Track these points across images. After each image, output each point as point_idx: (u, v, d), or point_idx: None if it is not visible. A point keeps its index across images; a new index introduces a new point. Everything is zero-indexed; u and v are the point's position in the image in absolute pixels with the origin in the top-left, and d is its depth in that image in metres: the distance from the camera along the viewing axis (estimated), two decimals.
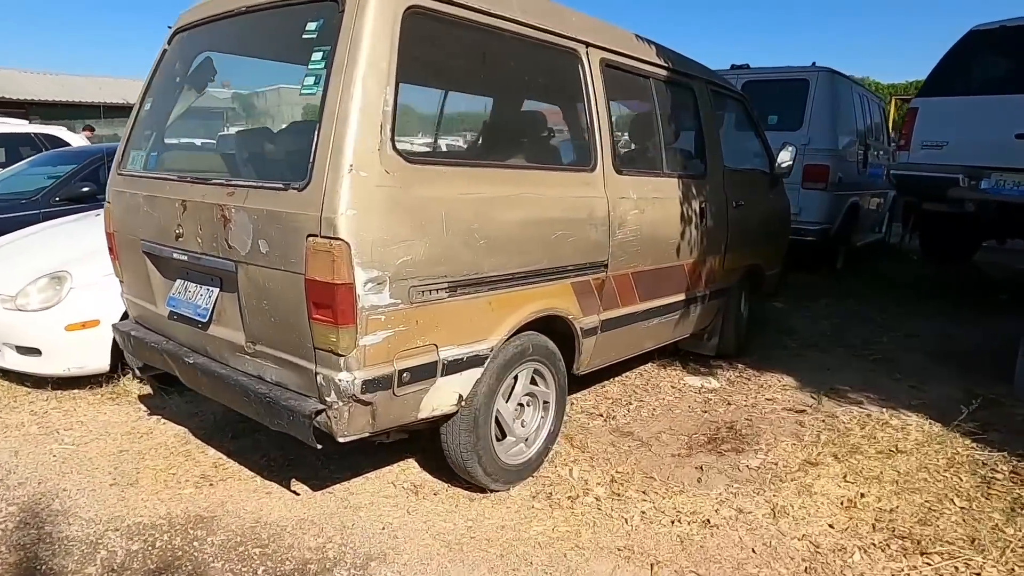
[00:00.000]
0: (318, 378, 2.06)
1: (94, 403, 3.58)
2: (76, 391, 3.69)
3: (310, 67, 2.08)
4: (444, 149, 2.73)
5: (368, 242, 1.93)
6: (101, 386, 3.72)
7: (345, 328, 1.95)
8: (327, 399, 2.05)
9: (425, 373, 2.20)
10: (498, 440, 2.66)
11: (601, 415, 3.43)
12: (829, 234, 6.54)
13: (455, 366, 2.29)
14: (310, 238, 1.94)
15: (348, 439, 2.11)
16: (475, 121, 3.49)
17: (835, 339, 4.89)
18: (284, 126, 2.30)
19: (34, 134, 9.40)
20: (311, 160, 1.96)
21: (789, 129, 6.45)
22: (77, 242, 3.84)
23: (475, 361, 2.37)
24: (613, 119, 2.96)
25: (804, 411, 3.51)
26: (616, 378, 3.96)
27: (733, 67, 6.91)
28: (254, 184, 2.15)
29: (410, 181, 2.06)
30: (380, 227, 1.97)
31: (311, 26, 2.14)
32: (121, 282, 2.99)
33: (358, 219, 1.91)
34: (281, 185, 2.04)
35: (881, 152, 7.99)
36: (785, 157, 4.37)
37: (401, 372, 2.12)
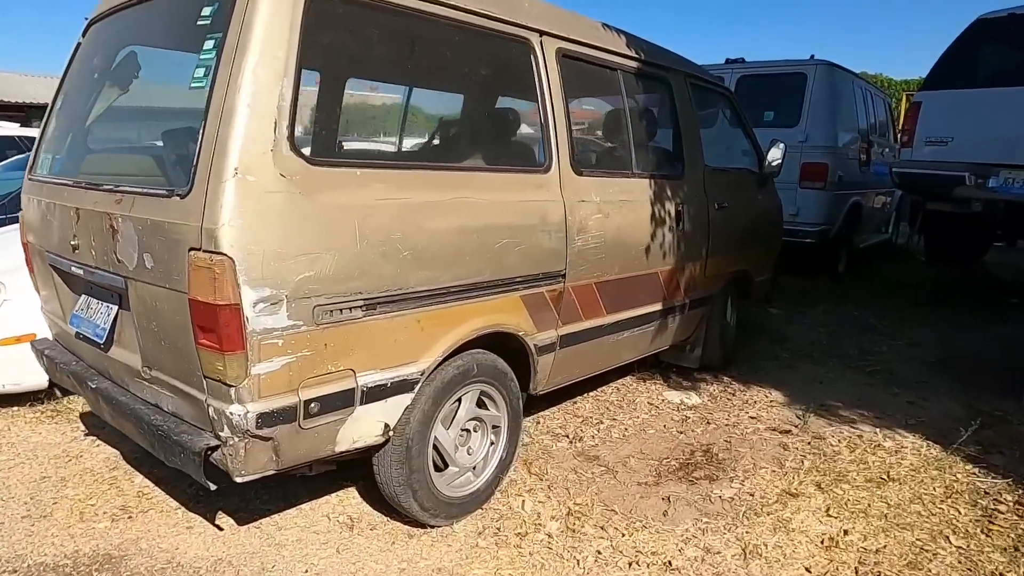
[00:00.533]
0: (210, 410, 1.81)
1: (31, 422, 3.36)
2: (15, 408, 3.47)
3: (201, 57, 1.83)
4: (367, 149, 2.46)
5: (258, 256, 1.68)
6: (42, 403, 3.50)
7: (232, 355, 1.70)
8: (220, 434, 1.81)
9: (339, 402, 1.95)
10: (439, 470, 2.40)
11: (567, 436, 3.16)
12: (829, 236, 6.22)
13: (378, 393, 2.04)
14: (191, 252, 1.69)
15: (247, 478, 1.86)
16: (408, 118, 3.22)
17: (830, 348, 4.60)
18: (174, 125, 2.05)
19: (18, 137, 9.25)
20: (195, 163, 1.72)
21: (786, 126, 6.14)
22: (12, 251, 3.62)
23: (403, 386, 2.11)
24: (571, 115, 2.69)
25: (789, 431, 3.23)
26: (590, 393, 3.70)
27: (728, 61, 6.61)
28: (140, 191, 1.90)
29: (314, 186, 1.81)
30: (274, 239, 1.71)
31: (206, 11, 1.89)
32: (40, 296, 2.76)
33: (244, 230, 1.66)
34: (165, 192, 1.80)
35: (887, 149, 7.65)
36: (775, 155, 4.09)
37: (308, 402, 1.87)
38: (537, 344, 2.62)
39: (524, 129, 2.85)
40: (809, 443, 3.09)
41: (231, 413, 1.75)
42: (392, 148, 2.85)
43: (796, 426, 3.28)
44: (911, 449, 3.05)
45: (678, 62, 3.56)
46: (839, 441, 3.11)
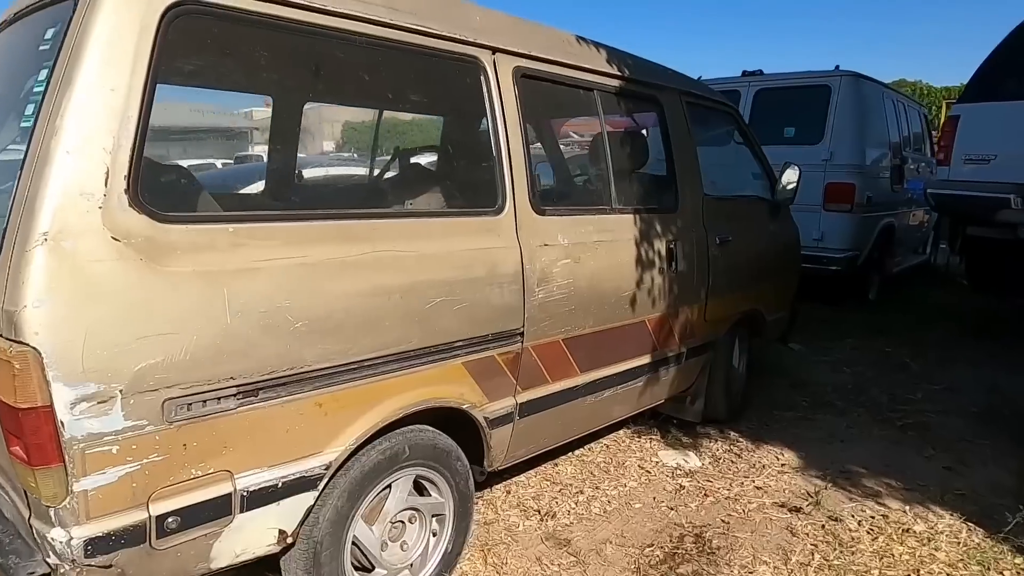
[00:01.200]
0: (34, 531, 1.45)
1: None
2: None
3: (34, 90, 1.49)
4: (248, 195, 2.09)
5: (76, 344, 1.32)
6: None
7: (45, 471, 1.34)
8: (48, 560, 1.44)
9: (210, 512, 1.57)
10: (366, 571, 2.01)
11: (538, 512, 2.74)
12: (857, 262, 5.68)
13: (265, 496, 1.66)
14: None
15: None
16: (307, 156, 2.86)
17: (857, 395, 4.08)
18: None
19: None
20: (5, 224, 1.37)
21: (808, 143, 5.66)
22: None
23: (302, 484, 1.73)
24: (532, 145, 2.30)
25: (800, 509, 2.75)
26: (575, 452, 3.27)
27: (745, 74, 6.15)
28: None
29: (164, 250, 1.44)
30: (103, 321, 1.35)
31: (48, 34, 1.56)
32: None
33: (57, 312, 1.30)
34: None
35: (923, 164, 7.07)
36: (789, 179, 3.63)
37: (162, 518, 1.49)
38: (489, 416, 2.22)
39: (470, 164, 2.46)
40: (823, 526, 2.61)
41: (52, 539, 1.39)
42: (284, 194, 2.48)
43: (810, 500, 2.80)
44: (947, 535, 2.55)
45: (671, 78, 3.14)
46: (859, 524, 2.63)
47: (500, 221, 2.18)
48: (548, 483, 2.99)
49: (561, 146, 3.11)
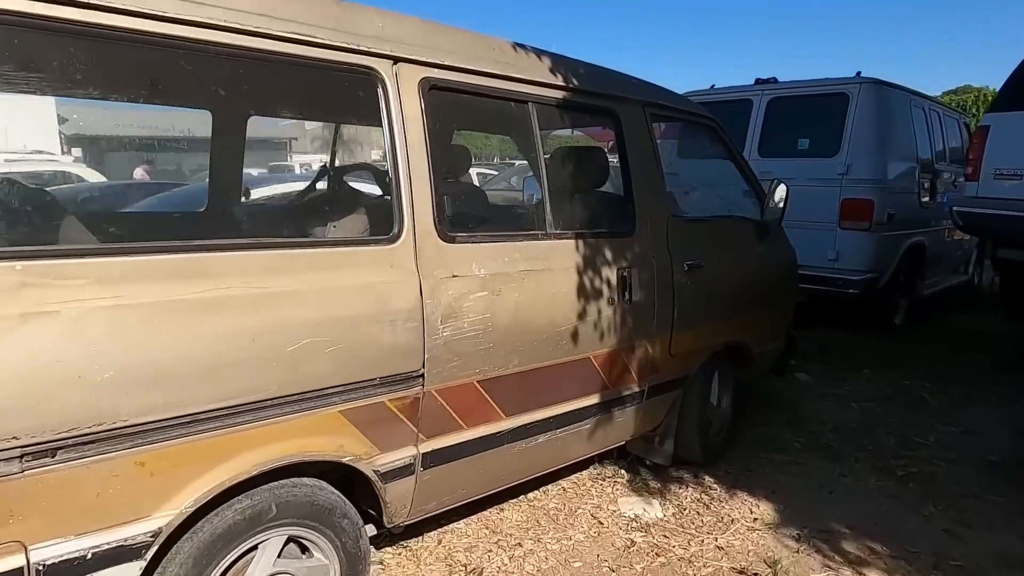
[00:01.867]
0: None
1: None
2: None
3: None
4: (54, 226, 1.85)
5: None
6: None
7: None
8: None
9: None
10: None
11: (465, 567, 2.47)
12: (877, 285, 5.22)
13: (70, 569, 1.45)
14: None
15: None
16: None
17: (859, 436, 3.67)
18: None
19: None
20: None
21: (823, 155, 5.26)
22: None
23: (123, 554, 1.52)
24: (439, 163, 2.06)
25: None
26: (527, 496, 2.99)
27: (758, 81, 5.77)
28: None
29: None
30: None
31: None
32: None
33: None
34: None
35: (960, 178, 6.52)
36: (777, 197, 3.29)
37: None
38: (381, 469, 1.98)
39: (359, 186, 2.23)
40: None
41: None
42: (112, 222, 2.28)
43: (774, 568, 2.45)
44: None
45: (631, 88, 2.85)
46: None
47: (394, 251, 1.95)
48: (487, 532, 2.72)
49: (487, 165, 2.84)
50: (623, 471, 3.23)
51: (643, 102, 2.85)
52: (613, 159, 2.89)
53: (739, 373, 3.48)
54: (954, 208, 4.70)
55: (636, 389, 2.80)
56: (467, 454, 2.21)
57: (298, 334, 1.72)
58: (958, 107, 10.28)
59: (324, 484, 1.91)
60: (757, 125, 5.59)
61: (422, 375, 2.00)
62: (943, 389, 4.42)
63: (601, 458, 3.24)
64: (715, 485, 3.12)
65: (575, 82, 2.56)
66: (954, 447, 3.54)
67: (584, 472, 3.22)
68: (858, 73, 5.35)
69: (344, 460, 1.88)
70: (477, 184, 3.00)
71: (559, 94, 2.50)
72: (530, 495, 3.01)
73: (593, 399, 2.61)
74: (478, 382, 2.17)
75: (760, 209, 3.38)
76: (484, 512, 2.84)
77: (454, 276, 2.06)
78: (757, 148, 5.58)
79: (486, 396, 2.21)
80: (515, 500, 2.95)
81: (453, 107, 2.24)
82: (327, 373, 1.79)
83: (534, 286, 2.29)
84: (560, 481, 3.13)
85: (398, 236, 1.96)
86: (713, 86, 6.20)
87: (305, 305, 1.74)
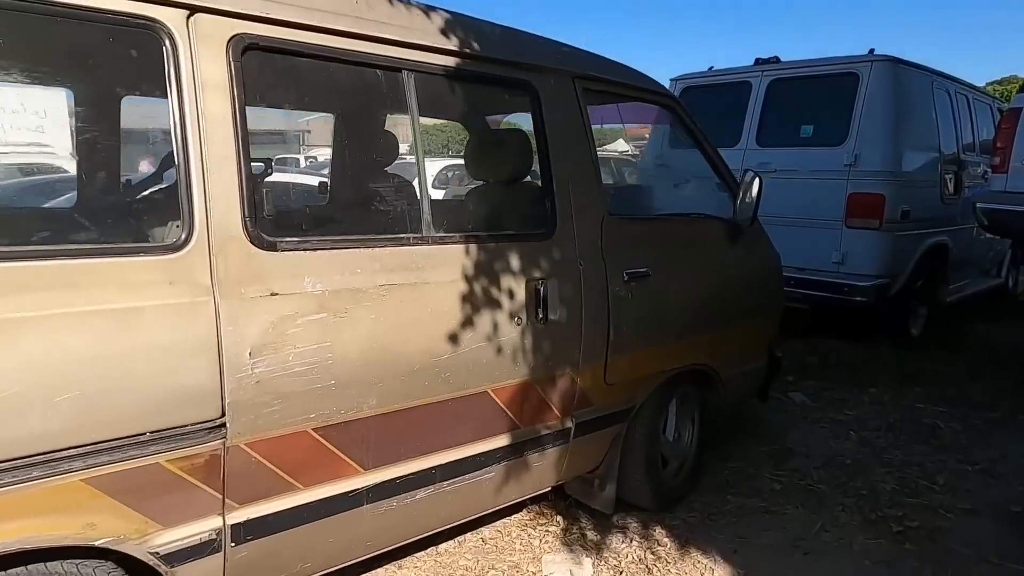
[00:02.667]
0: None
1: None
2: None
3: None
4: None
5: None
6: None
7: None
8: None
9: None
10: None
11: None
12: (889, 291, 4.59)
13: None
14: None
15: None
16: None
17: (850, 477, 3.09)
18: None
19: None
20: None
21: (828, 144, 4.65)
22: None
23: None
24: (249, 142, 1.57)
25: None
26: (438, 547, 2.50)
27: (758, 62, 5.16)
28: None
29: None
30: None
31: None
32: None
33: None
34: None
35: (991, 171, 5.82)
36: (749, 191, 2.74)
37: None
38: (164, 550, 1.50)
39: (128, 176, 1.74)
40: None
41: None
42: None
43: None
44: None
45: (558, 56, 2.32)
46: None
47: (176, 262, 1.46)
48: None
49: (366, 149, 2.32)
50: (559, 517, 2.72)
51: (573, 74, 2.32)
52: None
53: (708, 400, 2.93)
54: (978, 205, 4.07)
55: (559, 426, 2.28)
56: (306, 520, 1.73)
57: (11, 378, 1.25)
58: (1003, 98, 9.40)
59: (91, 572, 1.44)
60: (756, 110, 5.00)
61: (223, 425, 1.52)
62: (961, 416, 3.80)
63: (540, 498, 2.73)
64: (667, 538, 2.59)
65: (474, 47, 2.04)
66: (968, 493, 2.95)
67: (514, 517, 2.72)
68: (871, 50, 4.71)
69: (97, 543, 1.40)
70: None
71: (449, 62, 1.99)
72: (442, 547, 2.52)
73: (496, 442, 2.11)
74: (315, 430, 1.68)
75: (733, 206, 2.82)
76: (380, 569, 2.36)
77: (274, 294, 1.58)
78: (755, 136, 4.98)
79: (329, 447, 1.72)
80: (422, 553, 2.46)
81: (286, 75, 1.75)
82: (59, 430, 1.32)
83: (401, 305, 1.79)
84: (482, 529, 2.63)
85: (184, 242, 1.48)
86: (712, 68, 5.60)
87: (18, 343, 1.27)
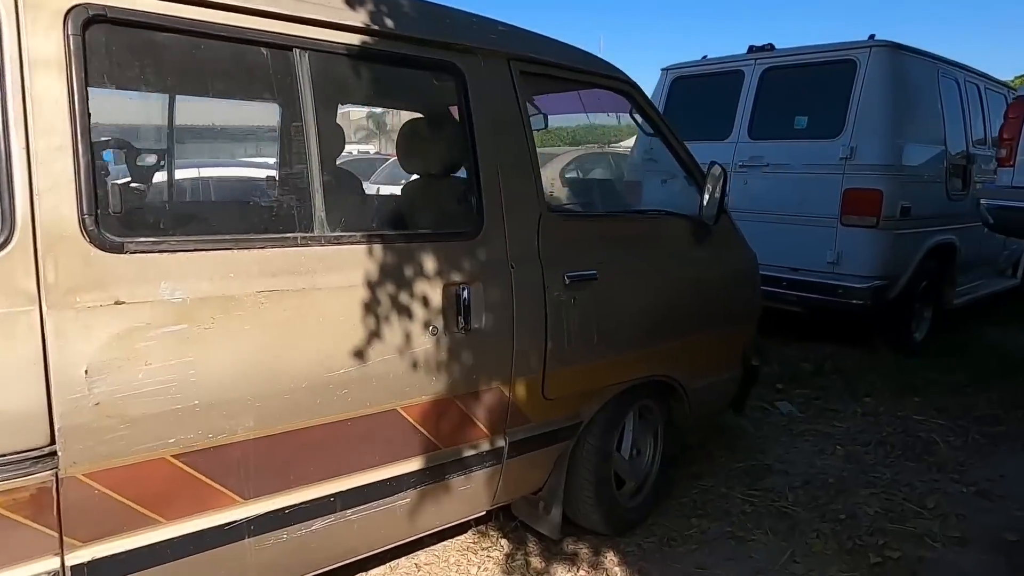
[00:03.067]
0: None
1: None
2: None
3: None
4: None
5: None
6: None
7: None
8: None
9: None
10: None
11: None
12: (888, 293, 4.30)
13: None
14: None
15: None
16: None
17: (831, 498, 2.83)
18: None
19: None
20: None
21: (823, 136, 4.37)
22: None
23: None
24: (90, 129, 1.37)
25: None
26: (367, 572, 2.29)
27: (752, 49, 4.87)
28: None
29: None
30: None
31: None
32: None
33: None
34: None
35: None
36: (713, 184, 2.49)
37: None
38: None
39: None
40: None
41: None
42: None
43: None
44: None
45: (490, 36, 2.09)
46: None
47: None
48: None
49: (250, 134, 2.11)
50: (504, 541, 2.50)
51: (509, 56, 2.09)
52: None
53: (676, 412, 2.69)
54: (982, 201, 3.76)
55: (489, 446, 2.06)
56: (172, 558, 1.52)
57: None
58: None
59: None
60: (748, 101, 4.72)
61: (53, 453, 1.32)
62: (961, 430, 3.51)
63: (485, 519, 2.52)
64: (617, 568, 2.36)
65: (387, 23, 1.82)
66: (959, 519, 2.67)
67: (455, 540, 2.51)
68: (871, 36, 4.41)
69: None
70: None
71: (355, 39, 1.77)
72: (373, 572, 2.31)
73: (410, 465, 1.89)
74: (177, 457, 1.48)
75: (699, 201, 2.57)
76: None
77: (119, 303, 1.37)
78: (748, 129, 4.71)
79: (197, 475, 1.52)
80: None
81: (145, 54, 1.54)
82: None
83: (285, 314, 1.58)
84: (418, 553, 2.42)
85: (3, 243, 1.28)
86: (705, 57, 5.33)
87: None
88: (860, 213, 4.16)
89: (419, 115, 2.24)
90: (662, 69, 5.36)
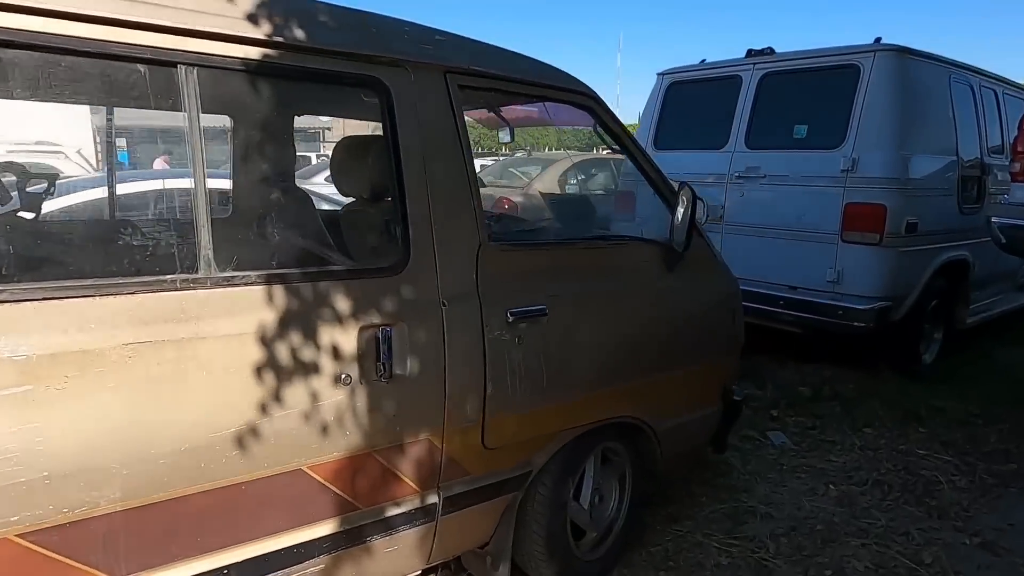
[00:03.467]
0: None
1: None
2: None
3: None
4: None
5: None
6: None
7: None
8: None
9: None
10: None
11: None
12: (893, 316, 4.02)
13: None
14: None
15: None
16: None
17: (817, 549, 2.59)
18: None
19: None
20: None
21: (823, 147, 4.11)
22: None
23: None
24: None
25: None
26: None
27: (751, 53, 4.61)
28: None
29: None
30: None
31: None
32: None
33: None
34: None
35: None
36: (682, 206, 2.26)
37: None
38: None
39: None
40: None
41: None
42: None
43: None
44: None
45: (423, 47, 1.86)
46: None
47: None
48: None
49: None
50: None
51: (446, 68, 1.88)
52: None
53: (646, 453, 2.47)
54: (993, 219, 3.48)
55: (419, 503, 1.85)
56: None
57: None
58: None
59: None
60: (745, 109, 4.46)
61: None
62: (968, 467, 3.24)
63: (434, 570, 2.32)
64: None
65: (297, 34, 1.62)
66: (956, 568, 2.42)
67: None
68: (877, 39, 4.14)
69: None
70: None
71: (256, 53, 1.57)
72: None
73: (322, 528, 1.69)
74: (24, 536, 1.29)
75: (671, 225, 2.34)
76: None
77: None
78: (745, 137, 4.45)
79: (52, 555, 1.33)
80: None
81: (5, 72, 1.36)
82: None
83: (160, 368, 1.39)
84: None
85: None
86: (703, 61, 5.07)
87: None
88: (862, 229, 3.89)
89: (350, 134, 2.04)
90: (658, 74, 5.12)
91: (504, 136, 2.89)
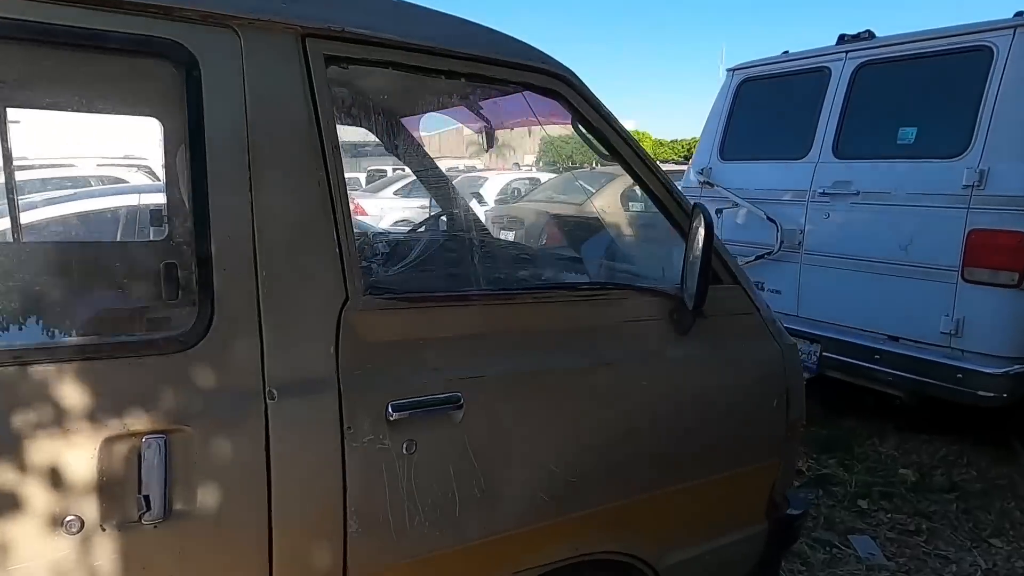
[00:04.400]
0: None
1: None
2: None
3: None
4: None
5: None
6: None
7: None
8: None
9: None
10: None
11: None
12: None
13: None
14: None
15: None
16: None
17: None
18: None
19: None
20: None
21: (940, 155, 3.15)
22: None
23: None
24: None
25: None
26: None
27: (842, 39, 3.69)
28: None
29: None
30: None
31: None
32: None
33: None
34: None
35: None
36: (694, 236, 1.49)
37: None
38: None
39: None
40: None
41: None
42: None
43: None
44: None
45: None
46: None
47: None
48: None
49: None
50: None
51: (303, 29, 1.23)
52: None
53: None
54: None
55: None
56: None
57: None
58: None
59: None
60: (834, 108, 3.55)
61: None
62: None
63: None
64: None
65: None
66: None
67: None
68: (1019, 13, 3.13)
69: None
70: None
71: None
72: None
73: None
74: None
75: (684, 272, 1.56)
76: None
77: None
78: (832, 144, 3.53)
79: None
80: None
81: None
82: None
83: None
84: None
85: None
86: (786, 52, 4.18)
87: None
88: (993, 265, 2.89)
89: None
90: (727, 70, 4.26)
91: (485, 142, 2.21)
